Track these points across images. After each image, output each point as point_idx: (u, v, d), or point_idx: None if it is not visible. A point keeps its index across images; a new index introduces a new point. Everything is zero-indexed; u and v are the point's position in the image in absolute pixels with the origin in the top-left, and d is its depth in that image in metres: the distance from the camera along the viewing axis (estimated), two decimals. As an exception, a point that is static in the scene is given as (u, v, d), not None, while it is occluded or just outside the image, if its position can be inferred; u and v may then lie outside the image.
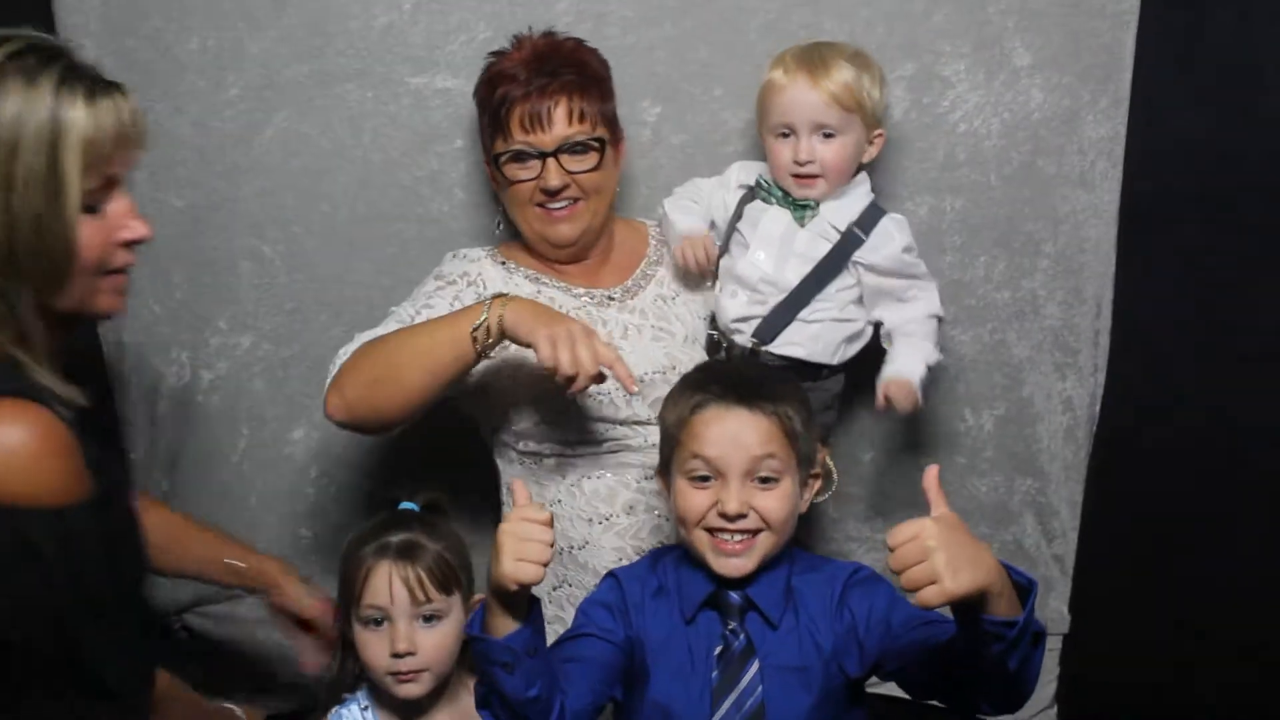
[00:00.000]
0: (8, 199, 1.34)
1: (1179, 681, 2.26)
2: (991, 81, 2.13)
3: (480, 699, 1.48)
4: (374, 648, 1.69)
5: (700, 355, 1.96)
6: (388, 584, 1.67)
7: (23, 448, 1.34)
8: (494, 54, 1.96)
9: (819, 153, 1.88)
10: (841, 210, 1.92)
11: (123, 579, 1.48)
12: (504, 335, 1.71)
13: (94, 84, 1.39)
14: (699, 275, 2.00)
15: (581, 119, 1.88)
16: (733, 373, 1.67)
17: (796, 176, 1.90)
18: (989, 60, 2.13)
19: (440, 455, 2.11)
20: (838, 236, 1.91)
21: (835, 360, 1.94)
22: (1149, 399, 2.24)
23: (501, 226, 2.05)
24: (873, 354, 1.98)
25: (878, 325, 1.97)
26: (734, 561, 1.55)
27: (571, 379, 1.64)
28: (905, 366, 1.90)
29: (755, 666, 1.55)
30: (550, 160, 1.87)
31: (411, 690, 1.68)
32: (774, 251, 1.92)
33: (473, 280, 1.93)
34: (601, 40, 2.07)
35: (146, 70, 2.10)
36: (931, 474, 1.36)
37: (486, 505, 2.09)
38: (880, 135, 1.95)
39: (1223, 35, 2.06)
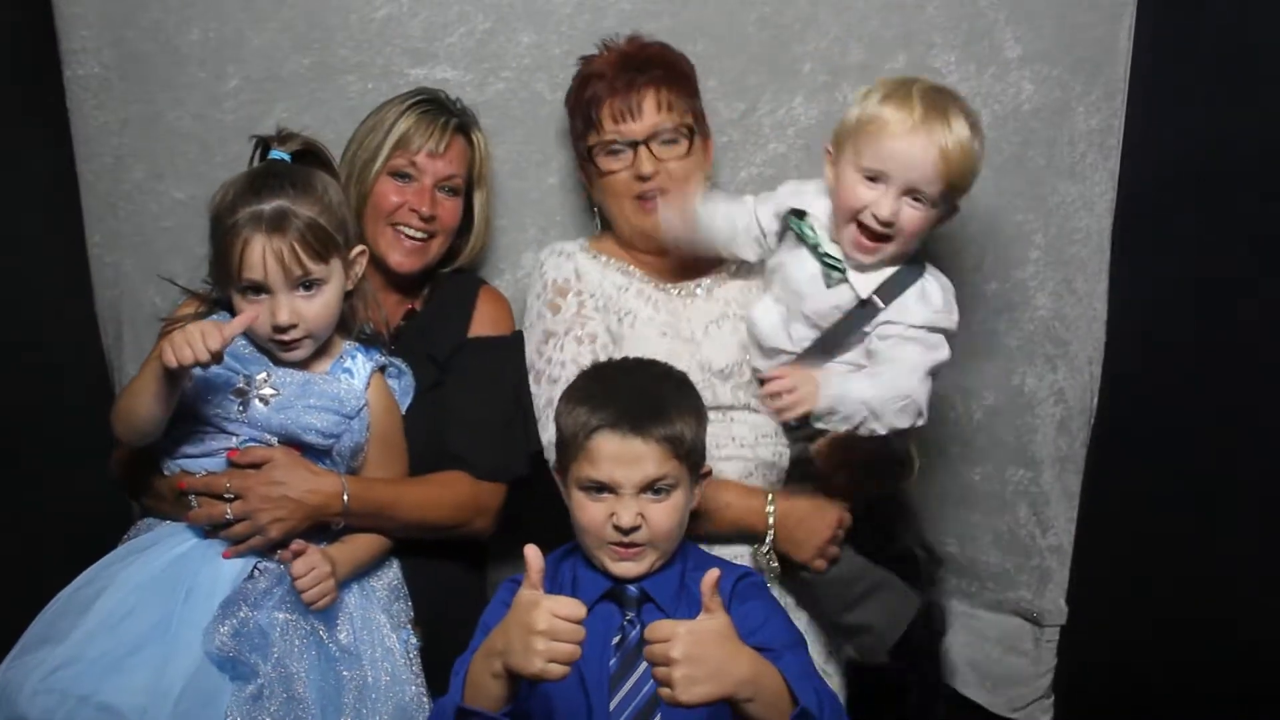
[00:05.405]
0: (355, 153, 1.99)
1: (1176, 672, 2.26)
2: (982, 73, 2.17)
3: None
4: (255, 314, 1.71)
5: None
6: (261, 259, 1.67)
7: None
8: (583, 58, 2.04)
9: (902, 215, 1.70)
10: (867, 279, 1.77)
11: None
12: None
13: (426, 111, 1.99)
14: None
15: (670, 108, 1.96)
16: (628, 391, 1.64)
17: (863, 231, 1.72)
18: (980, 52, 2.17)
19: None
20: (854, 305, 1.77)
21: None
22: (1146, 390, 2.26)
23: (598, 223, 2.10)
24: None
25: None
26: (626, 565, 1.61)
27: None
28: (845, 380, 1.71)
29: None
30: (641, 148, 1.95)
31: (295, 355, 1.75)
32: (783, 310, 1.85)
33: (575, 288, 1.99)
34: (599, 33, 2.10)
35: (146, 62, 2.11)
36: (709, 579, 1.42)
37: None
38: (955, 210, 1.78)
39: (1220, 26, 2.09)
